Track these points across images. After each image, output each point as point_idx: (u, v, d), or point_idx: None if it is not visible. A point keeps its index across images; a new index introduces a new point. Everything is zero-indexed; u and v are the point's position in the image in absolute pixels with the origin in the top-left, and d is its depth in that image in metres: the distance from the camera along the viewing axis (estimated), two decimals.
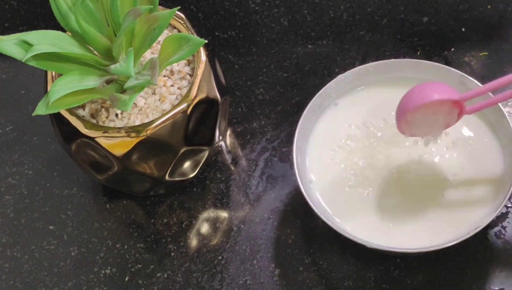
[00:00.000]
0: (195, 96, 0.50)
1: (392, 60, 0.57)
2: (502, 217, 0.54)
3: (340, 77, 0.56)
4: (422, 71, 0.56)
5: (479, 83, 0.54)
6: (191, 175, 0.56)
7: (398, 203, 0.52)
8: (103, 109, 0.51)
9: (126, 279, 0.55)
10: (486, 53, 0.64)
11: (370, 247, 0.49)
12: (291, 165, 0.59)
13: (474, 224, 0.49)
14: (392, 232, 0.51)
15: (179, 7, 0.48)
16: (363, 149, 0.54)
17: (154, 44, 0.52)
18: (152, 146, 0.50)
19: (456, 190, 0.52)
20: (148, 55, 0.53)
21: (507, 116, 0.52)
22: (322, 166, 0.54)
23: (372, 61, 0.57)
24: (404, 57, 0.65)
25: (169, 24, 0.54)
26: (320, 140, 0.55)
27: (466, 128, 0.54)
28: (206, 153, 0.55)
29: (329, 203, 0.53)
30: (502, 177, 0.52)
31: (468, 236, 0.48)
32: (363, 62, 0.65)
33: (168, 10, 0.48)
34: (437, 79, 0.55)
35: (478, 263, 0.52)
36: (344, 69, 0.59)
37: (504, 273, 0.51)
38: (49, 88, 0.48)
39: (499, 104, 0.52)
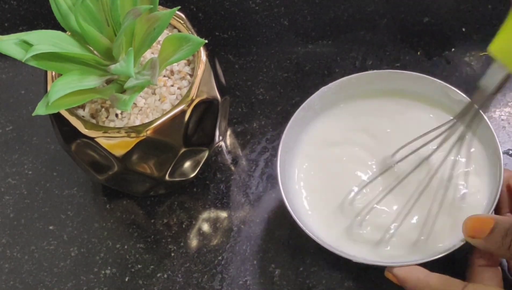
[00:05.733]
0: (195, 96, 0.50)
1: (375, 71, 0.56)
2: None
3: (323, 89, 0.56)
4: (405, 81, 0.56)
5: (463, 94, 0.54)
6: (191, 175, 0.56)
7: (387, 214, 0.52)
8: (103, 109, 0.51)
9: (126, 280, 0.55)
10: (487, 53, 0.64)
11: (356, 261, 0.48)
12: None
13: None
14: (384, 244, 0.51)
15: (179, 7, 0.48)
16: (350, 159, 0.54)
17: (154, 44, 0.52)
18: (152, 146, 0.50)
19: (444, 202, 0.51)
20: (148, 55, 0.53)
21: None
22: (309, 177, 0.54)
23: (373, 61, 0.57)
24: (404, 57, 0.65)
25: (169, 24, 0.54)
26: (306, 152, 0.55)
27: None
28: (206, 153, 0.55)
29: (318, 216, 0.52)
30: (489, 184, 0.52)
31: (453, 249, 0.48)
32: (363, 62, 0.65)
33: (168, 10, 0.48)
34: (420, 90, 0.55)
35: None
36: (344, 69, 0.59)
37: None
38: (49, 88, 0.48)
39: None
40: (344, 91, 0.56)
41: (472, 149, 0.53)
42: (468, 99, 0.53)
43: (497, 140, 0.51)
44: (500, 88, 0.44)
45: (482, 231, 0.46)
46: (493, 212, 0.50)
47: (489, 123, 0.52)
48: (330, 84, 0.56)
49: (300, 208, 0.52)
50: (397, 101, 0.56)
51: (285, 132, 0.54)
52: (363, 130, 0.56)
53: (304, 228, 0.49)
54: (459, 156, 0.50)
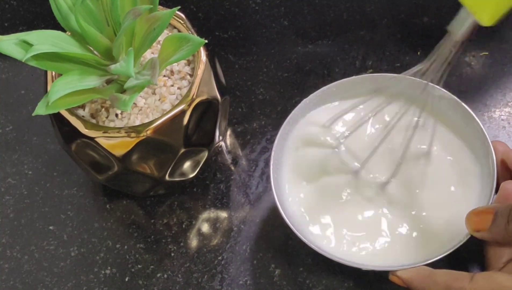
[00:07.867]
0: (195, 96, 0.50)
1: (354, 77, 0.56)
2: None
3: (305, 101, 0.55)
4: (385, 83, 0.56)
5: (445, 91, 0.53)
6: (191, 175, 0.56)
7: (378, 221, 0.52)
8: (103, 109, 0.51)
9: (126, 280, 0.55)
10: (486, 53, 0.64)
11: (365, 269, 0.49)
12: None
13: (463, 232, 0.49)
14: (379, 249, 0.51)
15: (179, 7, 0.48)
16: (337, 169, 0.54)
17: (154, 44, 0.52)
18: (152, 146, 0.50)
19: (437, 204, 0.51)
20: (148, 55, 0.53)
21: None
22: (301, 191, 0.54)
23: (373, 61, 0.57)
24: (404, 57, 0.65)
25: (169, 24, 0.54)
26: (294, 165, 0.55)
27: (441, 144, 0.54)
28: (206, 153, 0.55)
29: (314, 225, 0.52)
30: (481, 185, 0.52)
31: (459, 244, 0.47)
32: (363, 62, 0.65)
33: (168, 10, 0.48)
34: (401, 89, 0.55)
35: (472, 269, 0.52)
36: (344, 69, 0.58)
37: None
38: (49, 88, 0.48)
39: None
40: (326, 99, 0.56)
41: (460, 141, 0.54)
42: (447, 92, 0.53)
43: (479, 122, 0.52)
44: (468, 35, 0.43)
45: (484, 223, 0.46)
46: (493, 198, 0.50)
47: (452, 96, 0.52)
48: (311, 95, 0.56)
49: (299, 219, 0.52)
50: (377, 99, 0.56)
51: (273, 148, 0.53)
52: (346, 131, 0.56)
53: (304, 239, 0.49)
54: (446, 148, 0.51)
